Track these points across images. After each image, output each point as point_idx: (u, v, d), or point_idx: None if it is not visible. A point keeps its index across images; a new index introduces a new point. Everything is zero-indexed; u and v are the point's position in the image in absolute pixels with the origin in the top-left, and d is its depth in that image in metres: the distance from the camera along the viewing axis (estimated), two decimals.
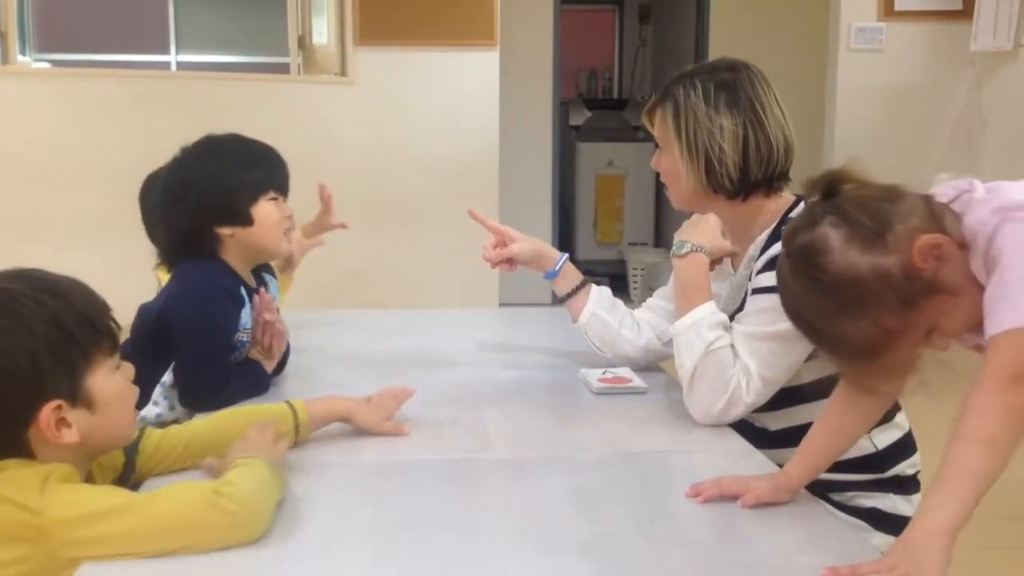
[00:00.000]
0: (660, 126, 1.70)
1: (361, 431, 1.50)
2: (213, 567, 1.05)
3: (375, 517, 1.20)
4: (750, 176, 1.67)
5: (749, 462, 1.42)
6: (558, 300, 1.92)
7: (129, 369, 1.20)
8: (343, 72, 5.77)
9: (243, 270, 1.73)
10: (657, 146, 1.73)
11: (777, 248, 1.58)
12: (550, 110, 6.64)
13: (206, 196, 1.67)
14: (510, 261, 1.87)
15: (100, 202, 5.37)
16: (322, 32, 5.90)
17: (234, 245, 1.69)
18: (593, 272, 7.08)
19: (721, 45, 7.20)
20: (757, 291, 1.58)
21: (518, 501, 1.27)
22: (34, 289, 1.11)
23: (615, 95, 9.14)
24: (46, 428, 1.09)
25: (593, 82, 9.36)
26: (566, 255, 1.90)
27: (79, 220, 5.33)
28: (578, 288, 1.89)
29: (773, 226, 1.66)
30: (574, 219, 7.87)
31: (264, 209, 1.70)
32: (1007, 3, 5.69)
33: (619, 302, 1.91)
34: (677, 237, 1.68)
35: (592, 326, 1.88)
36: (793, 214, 1.67)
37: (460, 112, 5.81)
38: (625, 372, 1.81)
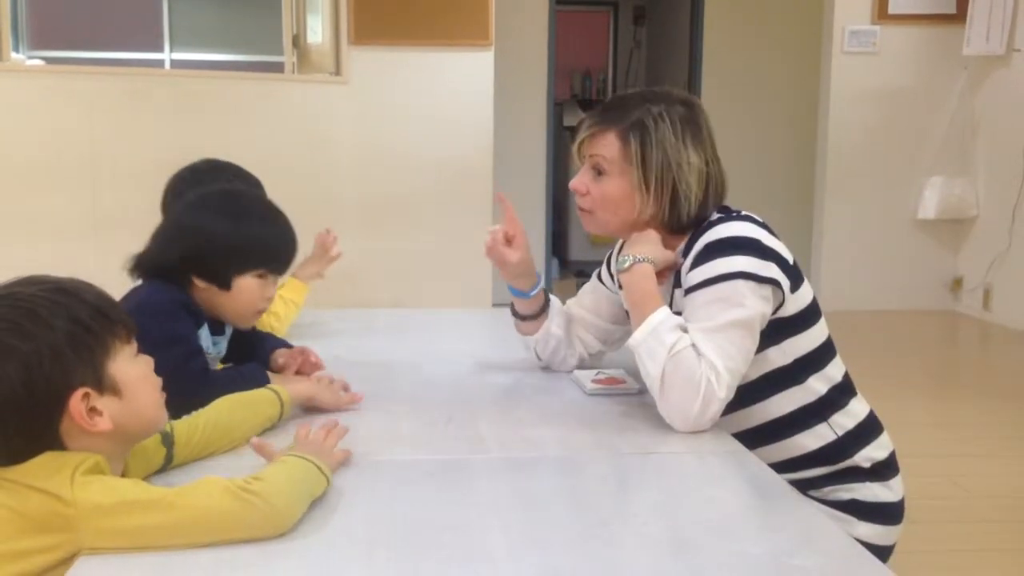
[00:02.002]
0: (613, 150, 1.68)
1: (319, 410, 1.61)
2: (207, 564, 1.05)
3: (368, 517, 1.20)
4: (706, 211, 1.69)
5: (742, 463, 1.43)
6: (514, 313, 1.90)
7: (149, 360, 1.23)
8: (338, 71, 5.77)
9: (206, 312, 1.70)
10: (600, 171, 1.70)
11: (698, 247, 1.60)
12: (544, 111, 6.65)
13: (202, 248, 1.64)
14: (500, 257, 1.81)
15: (94, 199, 5.36)
16: (317, 31, 5.89)
17: (203, 297, 1.66)
18: (586, 272, 7.09)
19: (715, 47, 7.21)
20: (692, 289, 1.58)
21: (511, 501, 1.27)
22: (45, 290, 1.15)
23: (609, 97, 9.15)
24: (78, 417, 1.11)
25: (587, 83, 9.37)
26: (542, 281, 1.87)
27: (73, 217, 5.32)
28: (540, 311, 1.88)
29: (689, 235, 1.69)
30: (567, 219, 7.89)
31: (246, 283, 1.65)
32: (1000, 7, 5.71)
33: (568, 318, 1.91)
34: (620, 256, 1.69)
35: (547, 343, 1.88)
36: (706, 222, 1.68)
37: (455, 112, 5.82)
38: (618, 373, 1.81)
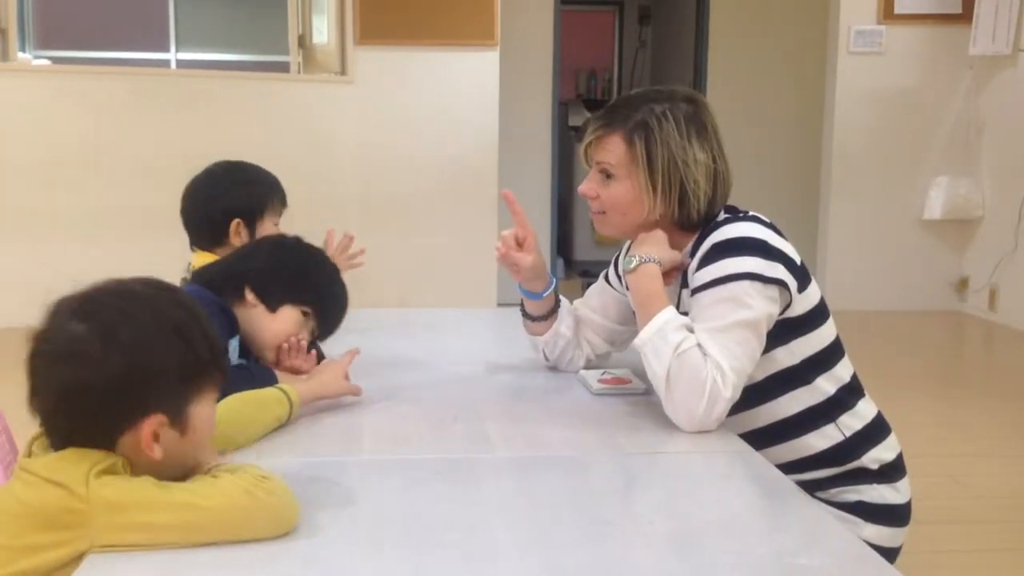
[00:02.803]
0: (618, 153, 1.68)
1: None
2: (215, 563, 1.06)
3: (375, 516, 1.20)
4: (715, 208, 1.69)
5: (748, 462, 1.43)
6: (524, 313, 1.90)
7: (215, 404, 1.23)
8: (343, 71, 5.78)
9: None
10: (608, 174, 1.70)
11: (705, 247, 1.60)
12: (549, 111, 6.65)
13: (269, 264, 1.74)
14: (512, 263, 1.81)
15: (99, 199, 5.37)
16: (322, 31, 5.90)
17: (243, 316, 1.70)
18: (591, 272, 7.09)
19: (721, 47, 7.21)
20: (699, 290, 1.58)
21: (517, 501, 1.28)
22: (176, 305, 1.15)
23: (614, 96, 9.15)
24: (143, 438, 1.11)
25: (593, 83, 9.37)
26: (555, 283, 1.87)
27: (79, 217, 5.33)
28: (551, 312, 1.88)
29: (696, 235, 1.69)
30: (572, 220, 7.88)
31: (290, 313, 1.71)
32: (1006, 7, 5.70)
33: (576, 319, 1.91)
34: (626, 256, 1.69)
35: (556, 344, 1.88)
36: (713, 222, 1.68)
37: (460, 112, 5.82)
38: (624, 373, 1.81)
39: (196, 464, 1.21)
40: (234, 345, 1.68)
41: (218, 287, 1.69)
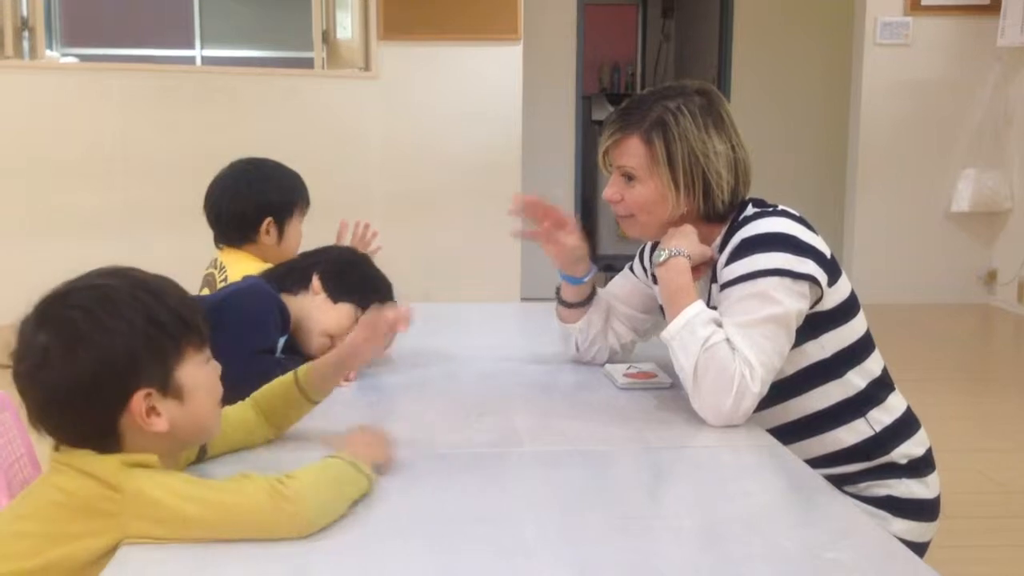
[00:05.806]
0: (639, 154, 1.67)
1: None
2: (246, 556, 1.07)
3: (402, 511, 1.21)
4: (738, 197, 1.69)
5: (776, 457, 1.42)
6: (560, 300, 1.89)
7: (217, 367, 1.24)
8: (367, 67, 5.79)
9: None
10: (630, 177, 1.69)
11: (734, 242, 1.59)
12: (573, 105, 6.64)
13: (347, 263, 1.84)
14: (556, 243, 1.78)
15: (126, 195, 5.41)
16: (346, 26, 5.91)
17: (300, 306, 1.74)
18: (614, 267, 7.07)
19: (745, 40, 7.17)
20: (728, 284, 1.58)
21: (545, 495, 1.28)
22: (131, 286, 1.16)
23: (638, 90, 9.11)
24: (137, 415, 1.13)
25: (616, 77, 9.35)
26: (595, 269, 1.87)
27: (104, 213, 5.37)
28: (587, 300, 1.87)
29: (726, 228, 1.69)
30: (596, 214, 7.86)
31: (348, 309, 1.76)
32: None
33: (607, 307, 1.90)
34: (656, 250, 1.68)
35: (589, 332, 1.88)
36: (742, 217, 1.67)
37: (483, 107, 5.82)
38: (650, 367, 1.81)
39: (208, 429, 1.24)
40: (281, 343, 1.70)
41: (280, 277, 1.74)
